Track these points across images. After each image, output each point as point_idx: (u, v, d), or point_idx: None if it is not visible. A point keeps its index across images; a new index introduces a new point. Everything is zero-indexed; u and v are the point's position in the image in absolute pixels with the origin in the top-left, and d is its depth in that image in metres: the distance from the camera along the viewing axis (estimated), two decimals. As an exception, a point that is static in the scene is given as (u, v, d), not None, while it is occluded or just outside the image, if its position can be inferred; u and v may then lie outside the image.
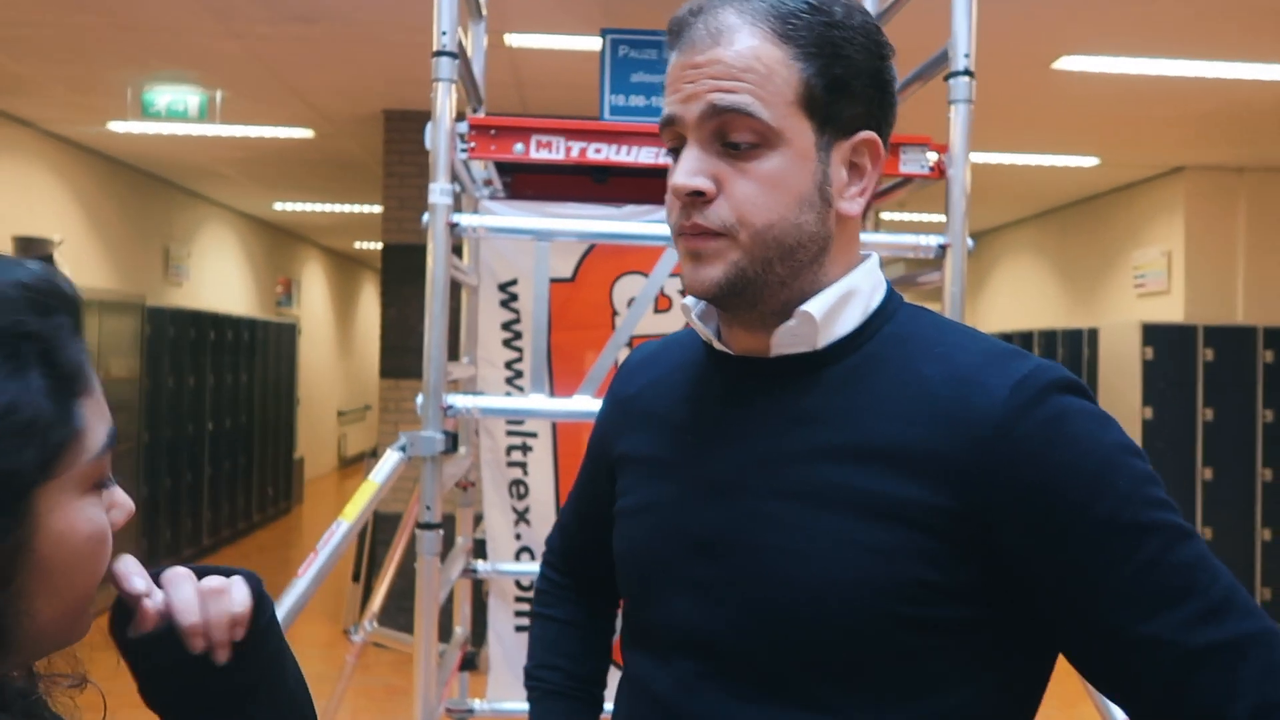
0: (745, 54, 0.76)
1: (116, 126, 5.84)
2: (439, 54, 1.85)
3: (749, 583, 0.77)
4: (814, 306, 0.79)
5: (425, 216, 1.86)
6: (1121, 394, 5.68)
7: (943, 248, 1.90)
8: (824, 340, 0.80)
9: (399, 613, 4.08)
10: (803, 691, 0.75)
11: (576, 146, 1.93)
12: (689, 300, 0.86)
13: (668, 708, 0.81)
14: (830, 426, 0.77)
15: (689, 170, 0.78)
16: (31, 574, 0.52)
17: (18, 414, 0.51)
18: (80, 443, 0.54)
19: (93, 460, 0.55)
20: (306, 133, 6.02)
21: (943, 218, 1.91)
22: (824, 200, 0.79)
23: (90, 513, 0.56)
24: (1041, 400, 0.72)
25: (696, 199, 0.78)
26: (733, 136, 0.77)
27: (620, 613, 0.95)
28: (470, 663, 2.58)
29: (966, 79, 1.84)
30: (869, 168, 0.81)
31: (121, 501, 0.60)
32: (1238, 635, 0.67)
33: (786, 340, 0.80)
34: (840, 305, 0.80)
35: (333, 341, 12.77)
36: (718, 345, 0.85)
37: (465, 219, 1.88)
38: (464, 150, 1.93)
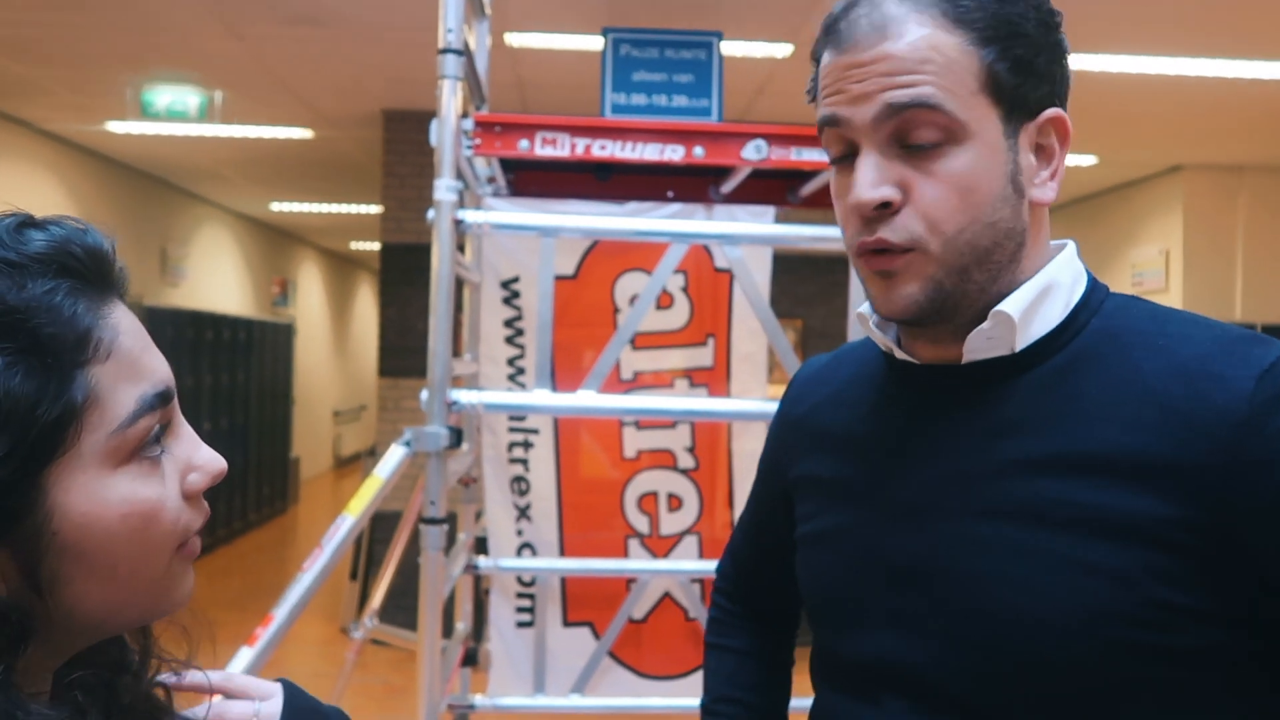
0: (919, 45, 0.69)
1: (115, 127, 5.84)
2: (445, 51, 1.85)
3: (958, 614, 0.70)
4: (1010, 306, 0.72)
5: (430, 213, 1.86)
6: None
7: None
8: (1023, 342, 0.73)
9: (398, 610, 4.08)
10: None
11: (581, 143, 1.93)
12: (864, 307, 0.79)
13: None
14: (1038, 436, 0.70)
15: (871, 180, 0.70)
16: (63, 558, 0.49)
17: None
18: (92, 414, 0.50)
19: (119, 431, 0.51)
20: (305, 133, 6.03)
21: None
22: (1017, 192, 0.72)
23: (124, 488, 0.51)
24: None
25: (882, 212, 0.71)
26: (914, 137, 0.70)
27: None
28: (472, 658, 2.59)
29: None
30: (1057, 148, 0.75)
31: (204, 462, 0.56)
32: None
33: (981, 345, 0.73)
34: (1039, 302, 0.73)
35: (328, 342, 12.77)
36: (899, 355, 0.78)
37: (471, 215, 1.89)
38: (469, 147, 1.94)
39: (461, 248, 2.39)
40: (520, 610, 2.53)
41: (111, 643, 0.58)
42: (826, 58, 0.74)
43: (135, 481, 0.52)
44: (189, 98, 5.07)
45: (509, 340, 2.55)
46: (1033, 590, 0.67)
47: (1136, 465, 0.66)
